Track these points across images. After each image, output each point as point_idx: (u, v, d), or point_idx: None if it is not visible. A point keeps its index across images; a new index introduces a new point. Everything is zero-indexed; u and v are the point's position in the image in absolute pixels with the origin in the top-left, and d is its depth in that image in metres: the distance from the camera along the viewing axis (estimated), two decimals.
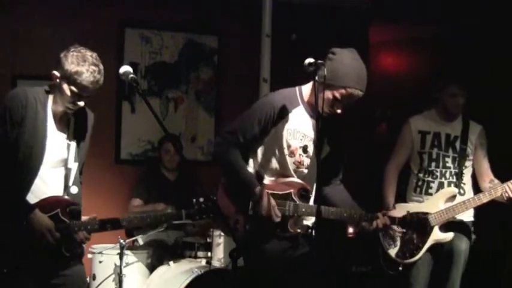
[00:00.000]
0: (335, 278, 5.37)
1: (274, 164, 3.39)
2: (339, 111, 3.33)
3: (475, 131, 4.43)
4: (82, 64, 3.14)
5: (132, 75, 3.04)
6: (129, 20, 5.81)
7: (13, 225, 3.18)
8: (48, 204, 3.24)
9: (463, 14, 6.03)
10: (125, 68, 3.07)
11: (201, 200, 3.33)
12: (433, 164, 4.35)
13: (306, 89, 3.44)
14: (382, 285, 4.82)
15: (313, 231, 3.45)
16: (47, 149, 3.26)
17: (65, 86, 3.18)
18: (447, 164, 4.35)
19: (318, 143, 3.24)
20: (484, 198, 4.17)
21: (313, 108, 3.37)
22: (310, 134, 3.41)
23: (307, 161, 3.41)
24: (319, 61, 3.17)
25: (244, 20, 5.77)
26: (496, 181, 4.32)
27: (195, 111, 6.03)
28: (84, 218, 3.33)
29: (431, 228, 4.21)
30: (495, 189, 4.17)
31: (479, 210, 4.35)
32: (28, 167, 3.23)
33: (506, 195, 4.11)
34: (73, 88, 3.17)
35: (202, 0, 5.93)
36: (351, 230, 5.86)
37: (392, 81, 7.46)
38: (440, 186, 4.33)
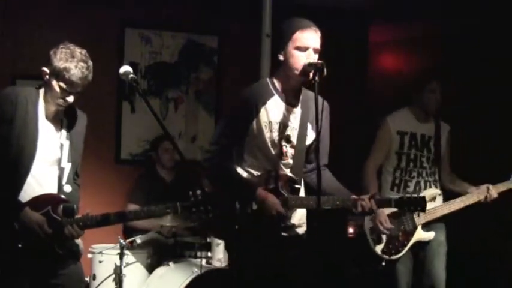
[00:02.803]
0: (330, 279, 5.38)
1: (261, 158, 3.33)
2: (314, 58, 3.22)
3: (444, 131, 4.59)
4: (70, 60, 3.17)
5: (132, 75, 3.04)
6: (129, 20, 5.81)
7: (6, 225, 3.19)
8: (39, 202, 3.26)
9: (463, 14, 6.03)
10: (125, 68, 3.07)
11: (198, 192, 3.29)
12: (411, 164, 4.48)
13: (278, 77, 3.37)
14: (381, 285, 4.85)
15: (306, 232, 3.43)
16: (39, 148, 3.28)
17: (54, 83, 3.21)
18: (424, 164, 4.49)
19: (316, 143, 3.21)
20: (467, 201, 4.37)
21: (289, 95, 3.33)
22: (291, 123, 3.34)
23: (291, 151, 3.35)
24: (319, 62, 3.17)
25: (244, 20, 5.77)
26: (457, 179, 4.57)
27: (195, 111, 6.03)
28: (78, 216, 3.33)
29: (415, 227, 4.36)
30: (478, 193, 4.38)
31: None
32: (19, 165, 3.24)
33: (489, 198, 4.35)
34: (62, 84, 3.19)
35: (203, 0, 5.93)
36: (351, 230, 5.86)
37: (392, 81, 7.46)
38: (417, 185, 4.45)
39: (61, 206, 3.31)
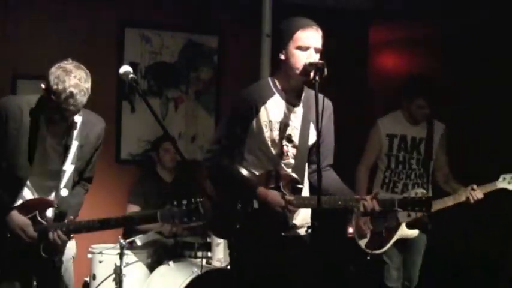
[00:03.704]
0: (330, 279, 5.39)
1: (262, 157, 3.32)
2: (315, 58, 3.21)
3: (438, 131, 4.68)
4: (61, 84, 3.09)
5: (132, 75, 3.03)
6: (129, 20, 5.81)
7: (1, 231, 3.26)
8: (28, 206, 3.29)
9: (463, 14, 6.03)
10: (125, 68, 3.07)
11: (184, 202, 3.27)
12: (400, 166, 4.62)
13: (279, 76, 3.36)
14: (371, 281, 4.96)
15: (309, 231, 3.43)
16: (37, 158, 3.28)
17: (47, 102, 3.18)
18: (413, 166, 4.62)
19: (317, 142, 3.21)
20: (449, 201, 4.47)
21: (290, 94, 3.33)
22: (293, 122, 3.33)
23: (292, 151, 3.34)
24: (320, 62, 3.16)
25: (244, 20, 5.77)
26: (452, 180, 4.64)
27: (195, 111, 6.03)
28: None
29: (399, 224, 4.52)
30: (460, 194, 4.45)
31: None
32: (15, 178, 3.27)
33: (472, 199, 4.39)
34: (52, 106, 3.15)
35: (202, 0, 5.93)
36: (350, 230, 5.86)
37: (392, 81, 7.45)
38: (405, 186, 4.61)
39: (49, 210, 3.34)
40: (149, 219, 3.43)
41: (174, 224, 3.41)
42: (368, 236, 4.56)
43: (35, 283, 3.36)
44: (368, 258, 4.60)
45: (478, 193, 4.39)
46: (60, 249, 3.36)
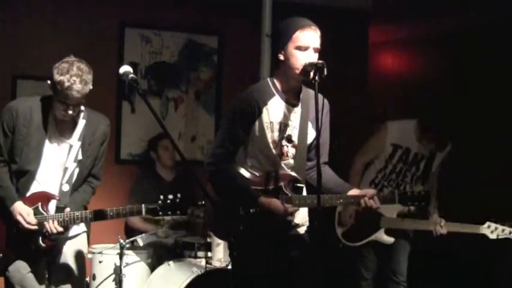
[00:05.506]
0: (329, 279, 5.40)
1: (262, 159, 3.31)
2: (314, 58, 3.22)
3: (443, 151, 4.60)
4: (65, 74, 3.32)
5: (132, 75, 3.06)
6: (129, 20, 5.81)
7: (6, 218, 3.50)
8: (32, 198, 3.53)
9: (464, 14, 6.03)
10: (125, 68, 3.09)
11: (170, 197, 3.50)
12: (394, 175, 4.59)
13: (278, 77, 3.36)
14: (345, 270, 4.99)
15: (309, 232, 3.43)
16: (45, 153, 3.51)
17: (54, 96, 3.41)
18: (406, 179, 4.59)
19: (317, 142, 3.20)
20: (413, 225, 4.52)
21: (290, 94, 3.33)
22: (292, 122, 3.33)
23: (292, 151, 3.34)
24: (320, 62, 3.16)
25: (244, 20, 5.77)
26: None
27: (195, 111, 6.03)
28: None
29: (379, 228, 4.52)
30: (426, 222, 4.47)
31: None
32: (26, 172, 3.50)
33: (435, 233, 4.44)
34: (58, 98, 3.38)
35: (202, 0, 5.93)
36: None
37: (392, 81, 7.46)
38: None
39: (52, 202, 3.55)
40: (133, 214, 3.61)
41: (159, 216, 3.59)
42: (347, 226, 4.58)
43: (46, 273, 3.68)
44: (340, 246, 4.62)
45: (443, 229, 4.42)
46: (56, 238, 3.58)
